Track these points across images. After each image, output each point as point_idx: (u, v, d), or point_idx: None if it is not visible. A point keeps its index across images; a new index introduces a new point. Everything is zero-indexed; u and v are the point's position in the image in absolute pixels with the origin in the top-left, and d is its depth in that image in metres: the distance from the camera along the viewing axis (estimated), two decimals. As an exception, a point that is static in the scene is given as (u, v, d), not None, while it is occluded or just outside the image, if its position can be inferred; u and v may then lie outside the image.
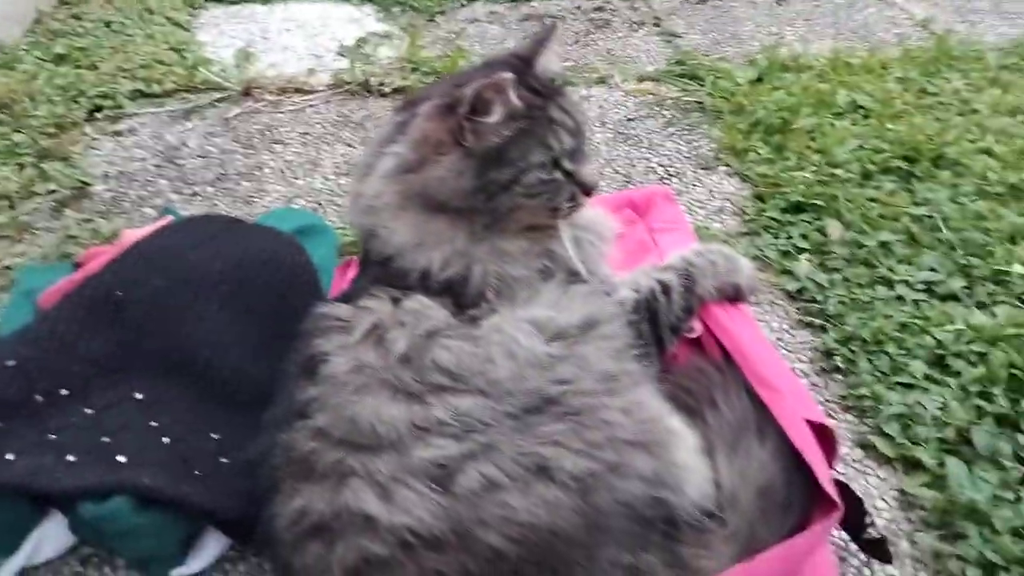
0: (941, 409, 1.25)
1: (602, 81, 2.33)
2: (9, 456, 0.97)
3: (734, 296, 1.15)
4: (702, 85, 2.21)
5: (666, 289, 1.08)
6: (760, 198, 1.79)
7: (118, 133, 2.11)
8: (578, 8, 2.79)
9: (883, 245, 1.59)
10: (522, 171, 0.97)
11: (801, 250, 1.62)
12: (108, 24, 2.58)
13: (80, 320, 1.07)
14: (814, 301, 1.50)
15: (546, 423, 0.85)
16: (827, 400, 1.33)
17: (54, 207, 1.82)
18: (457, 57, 2.41)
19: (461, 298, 0.98)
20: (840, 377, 1.36)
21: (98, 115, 2.16)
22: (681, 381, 1.06)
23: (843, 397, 1.33)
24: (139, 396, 1.06)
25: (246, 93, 2.31)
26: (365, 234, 1.04)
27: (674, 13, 2.73)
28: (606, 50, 2.51)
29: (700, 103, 2.16)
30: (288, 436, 0.88)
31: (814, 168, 1.81)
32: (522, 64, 1.04)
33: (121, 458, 0.96)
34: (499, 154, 0.97)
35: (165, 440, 1.00)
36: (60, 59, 2.36)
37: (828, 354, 1.40)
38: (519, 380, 0.88)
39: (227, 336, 1.11)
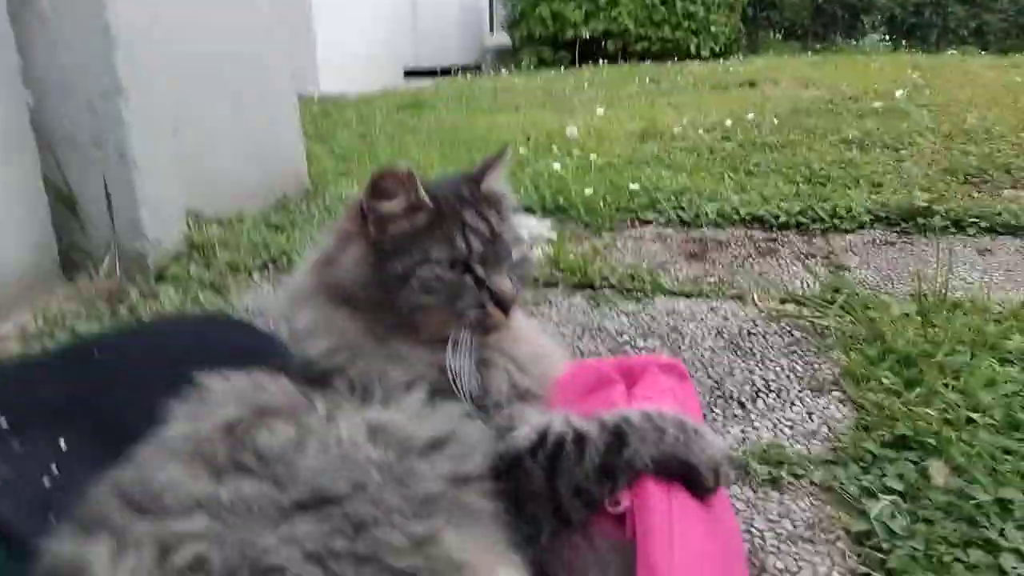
0: None
1: (738, 297, 2.17)
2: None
3: (687, 477, 0.91)
4: (849, 313, 1.96)
5: (580, 440, 0.89)
6: (865, 427, 1.46)
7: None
8: (749, 237, 2.71)
9: (1001, 503, 1.18)
10: (418, 263, 0.92)
11: (889, 490, 1.26)
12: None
13: (52, 367, 1.16)
14: (879, 550, 1.14)
15: (307, 522, 0.71)
16: None
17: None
18: (592, 255, 2.45)
19: (331, 391, 0.90)
20: (882, 654, 0.98)
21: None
22: (566, 554, 0.84)
23: None
24: (63, 446, 1.08)
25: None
26: (280, 321, 1.04)
27: (851, 250, 2.53)
28: (759, 273, 2.36)
29: (839, 328, 1.90)
30: (100, 485, 0.84)
31: (943, 407, 1.46)
32: (470, 181, 1.03)
33: (-4, 486, 0.97)
34: (399, 246, 0.94)
35: (44, 481, 1.00)
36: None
37: (874, 619, 1.03)
38: (315, 474, 0.77)
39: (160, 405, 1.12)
